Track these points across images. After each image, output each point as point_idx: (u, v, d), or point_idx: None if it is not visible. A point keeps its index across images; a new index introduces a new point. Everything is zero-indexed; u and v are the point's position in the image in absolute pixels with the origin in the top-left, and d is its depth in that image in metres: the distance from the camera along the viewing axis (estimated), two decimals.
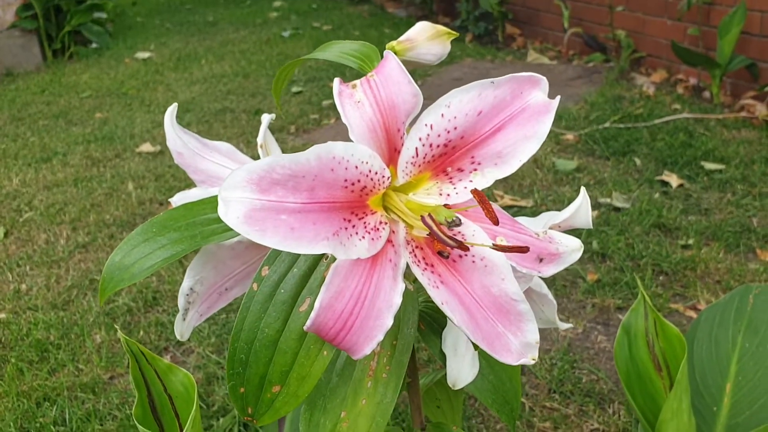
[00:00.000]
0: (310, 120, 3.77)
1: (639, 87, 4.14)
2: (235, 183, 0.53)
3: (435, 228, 0.60)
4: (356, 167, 0.58)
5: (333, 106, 4.25)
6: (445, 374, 0.83)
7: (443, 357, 0.86)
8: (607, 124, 3.59)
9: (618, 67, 4.34)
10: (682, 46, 3.95)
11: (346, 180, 0.57)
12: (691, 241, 2.47)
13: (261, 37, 6.24)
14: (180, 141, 0.80)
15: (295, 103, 4.20)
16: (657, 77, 4.34)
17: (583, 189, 0.81)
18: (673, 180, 2.90)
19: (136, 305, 2.35)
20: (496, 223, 0.63)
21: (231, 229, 0.77)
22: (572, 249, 0.74)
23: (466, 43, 5.39)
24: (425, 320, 0.91)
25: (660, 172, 3.00)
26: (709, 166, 3.10)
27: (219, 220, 0.72)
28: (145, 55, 5.40)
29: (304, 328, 0.57)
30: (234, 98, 4.22)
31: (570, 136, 3.40)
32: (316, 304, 0.56)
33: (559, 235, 0.74)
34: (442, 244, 0.59)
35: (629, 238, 2.35)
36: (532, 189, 2.96)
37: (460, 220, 0.63)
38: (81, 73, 5.43)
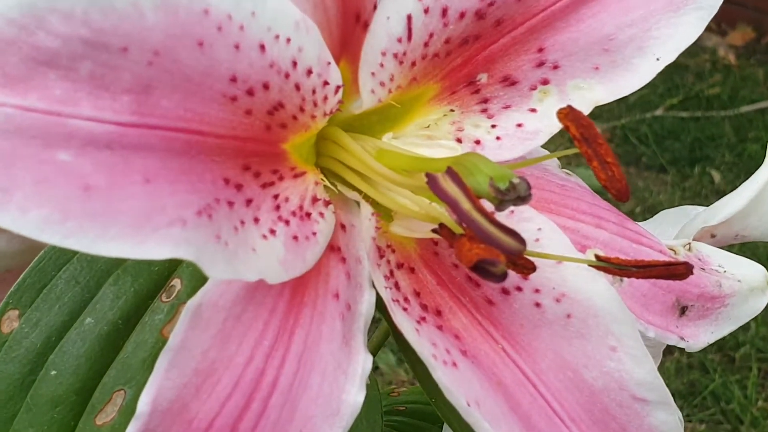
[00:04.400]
0: None
1: (710, 51, 3.83)
2: None
3: (467, 206, 0.40)
4: (261, 47, 0.40)
5: None
6: None
7: None
8: (659, 112, 3.29)
9: None
10: None
11: (233, 78, 0.39)
12: None
13: None
14: None
15: None
16: (738, 37, 3.95)
17: None
18: None
19: None
20: (625, 195, 0.41)
21: None
22: (750, 287, 0.52)
23: None
24: None
25: None
26: None
27: None
28: None
29: None
30: None
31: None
32: (143, 405, 0.39)
33: (719, 254, 0.53)
34: (493, 247, 0.40)
35: None
36: None
37: (527, 188, 0.40)
38: None
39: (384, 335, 0.57)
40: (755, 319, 1.97)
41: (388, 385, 0.75)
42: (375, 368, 2.44)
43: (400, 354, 2.15)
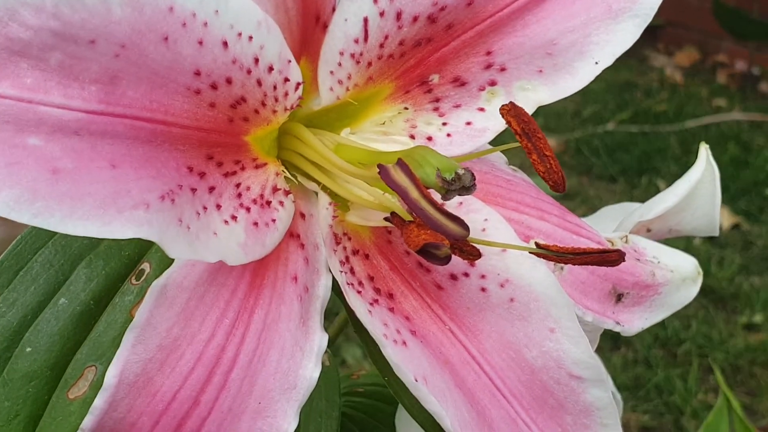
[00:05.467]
0: None
1: (658, 70, 3.85)
2: None
3: (415, 194, 0.41)
4: (224, 43, 0.42)
5: None
6: None
7: None
8: (610, 126, 3.32)
9: None
10: (729, 6, 3.60)
11: (197, 72, 0.41)
12: (758, 318, 2.16)
13: None
14: None
15: None
16: (685, 58, 3.98)
17: (704, 149, 0.61)
18: (723, 217, 2.59)
19: None
20: (561, 186, 0.42)
21: None
22: (682, 277, 0.54)
23: None
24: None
25: None
26: None
27: None
28: None
29: None
30: None
31: (551, 142, 3.11)
32: (110, 378, 0.40)
33: (654, 247, 0.54)
34: (439, 233, 0.42)
35: None
36: None
37: (472, 178, 0.42)
38: None
39: (342, 324, 0.59)
40: (696, 318, 2.00)
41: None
42: (342, 361, 2.42)
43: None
